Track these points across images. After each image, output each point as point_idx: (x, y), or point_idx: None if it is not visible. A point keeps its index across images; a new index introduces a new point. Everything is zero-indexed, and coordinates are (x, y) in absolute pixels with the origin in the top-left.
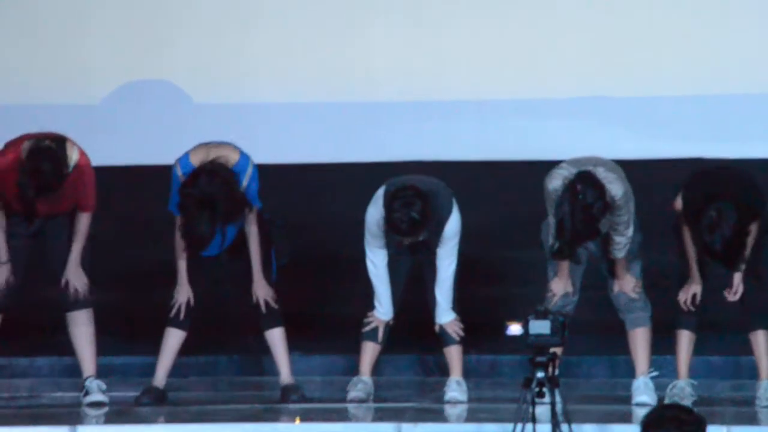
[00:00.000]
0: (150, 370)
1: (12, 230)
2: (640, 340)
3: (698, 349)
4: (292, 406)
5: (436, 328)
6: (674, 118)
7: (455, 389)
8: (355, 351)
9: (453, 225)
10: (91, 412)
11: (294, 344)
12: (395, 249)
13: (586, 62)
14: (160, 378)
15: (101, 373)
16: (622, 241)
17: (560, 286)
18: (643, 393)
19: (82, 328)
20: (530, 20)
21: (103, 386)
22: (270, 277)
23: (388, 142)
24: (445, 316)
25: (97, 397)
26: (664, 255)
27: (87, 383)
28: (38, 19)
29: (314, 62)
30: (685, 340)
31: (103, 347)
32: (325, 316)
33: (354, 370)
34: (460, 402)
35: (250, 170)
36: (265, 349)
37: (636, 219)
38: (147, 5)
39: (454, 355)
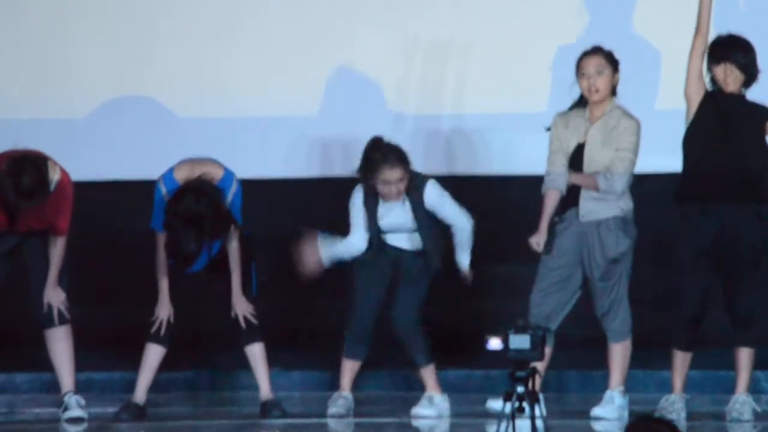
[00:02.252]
0: (130, 386)
1: None
2: (616, 353)
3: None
4: (273, 421)
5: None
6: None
7: (425, 405)
8: (335, 366)
9: (430, 190)
10: (71, 428)
11: (274, 359)
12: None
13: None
14: (140, 394)
15: (81, 388)
16: None
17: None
18: (605, 406)
19: (60, 344)
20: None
21: (82, 402)
22: (250, 292)
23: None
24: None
25: (76, 412)
26: (650, 270)
27: (66, 398)
28: (20, 34)
29: (296, 76)
30: (679, 356)
31: (83, 363)
32: (305, 331)
33: (334, 385)
34: (424, 417)
35: (234, 186)
36: (244, 365)
37: None
38: (129, 20)
39: (425, 374)
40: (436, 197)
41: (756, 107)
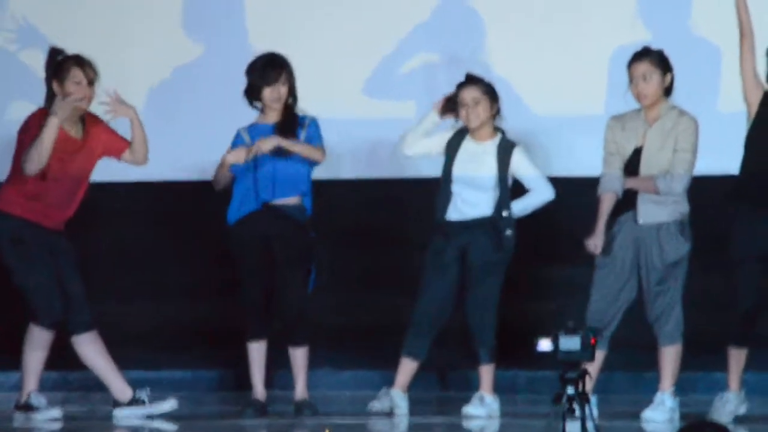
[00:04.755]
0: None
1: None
2: (668, 356)
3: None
4: (307, 421)
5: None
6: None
7: (476, 405)
8: (387, 366)
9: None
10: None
11: (325, 359)
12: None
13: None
14: (259, 390)
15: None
16: None
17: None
18: (655, 409)
19: (92, 347)
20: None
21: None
22: (306, 290)
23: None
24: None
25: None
26: (706, 273)
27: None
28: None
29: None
30: (733, 353)
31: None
32: (357, 330)
33: (386, 384)
34: (475, 417)
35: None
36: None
37: None
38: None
39: (484, 372)
40: (523, 158)
41: None
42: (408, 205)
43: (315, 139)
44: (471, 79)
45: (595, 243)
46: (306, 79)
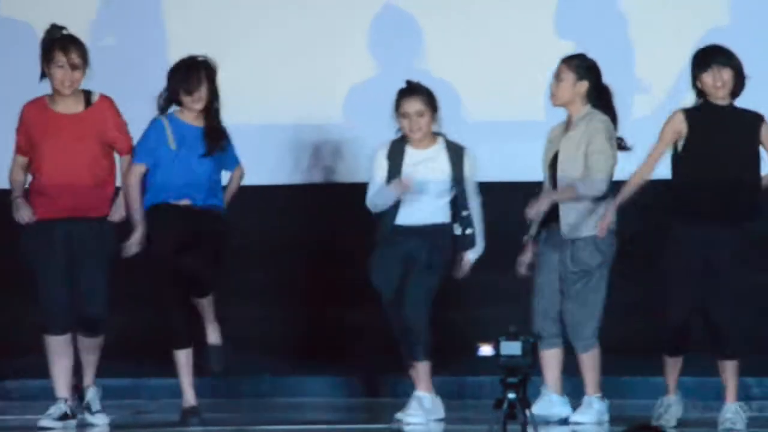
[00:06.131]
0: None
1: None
2: (588, 363)
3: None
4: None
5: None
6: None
7: (414, 408)
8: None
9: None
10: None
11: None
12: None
13: None
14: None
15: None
16: None
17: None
18: (584, 412)
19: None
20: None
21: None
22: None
23: None
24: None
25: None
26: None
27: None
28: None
29: (292, 85)
30: (669, 361)
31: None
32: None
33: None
34: (413, 424)
35: None
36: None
37: None
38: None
39: (420, 370)
40: (474, 163)
41: (746, 114)
42: (343, 212)
43: (233, 159)
44: (413, 89)
45: (522, 260)
46: (247, 84)
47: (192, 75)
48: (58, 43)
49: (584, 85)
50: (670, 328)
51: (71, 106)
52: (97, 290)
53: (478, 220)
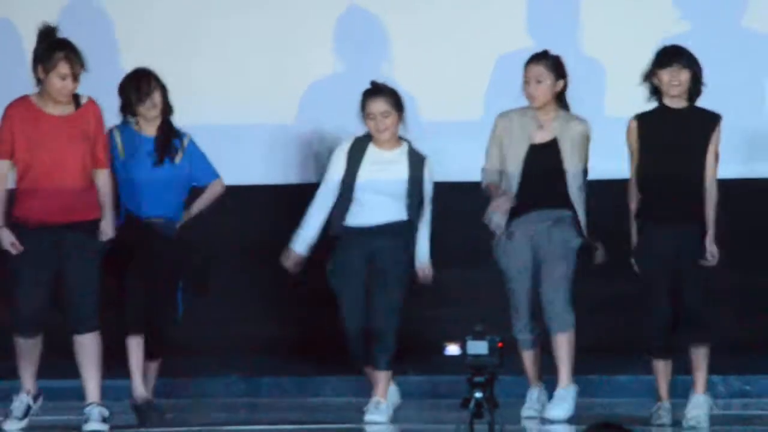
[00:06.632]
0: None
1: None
2: (563, 346)
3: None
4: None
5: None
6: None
7: (375, 410)
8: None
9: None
10: None
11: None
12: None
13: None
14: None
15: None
16: None
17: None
18: (556, 406)
19: (88, 351)
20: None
21: (106, 413)
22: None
23: None
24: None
25: (94, 426)
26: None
27: (87, 410)
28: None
29: (257, 85)
30: (658, 364)
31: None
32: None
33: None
34: (377, 423)
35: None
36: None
37: None
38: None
39: (381, 378)
40: (432, 174)
41: (704, 114)
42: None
43: (210, 172)
44: (378, 90)
45: (498, 204)
46: (210, 87)
47: (142, 82)
48: (61, 52)
49: (560, 84)
50: (654, 328)
51: (62, 107)
52: (87, 292)
53: (427, 227)
